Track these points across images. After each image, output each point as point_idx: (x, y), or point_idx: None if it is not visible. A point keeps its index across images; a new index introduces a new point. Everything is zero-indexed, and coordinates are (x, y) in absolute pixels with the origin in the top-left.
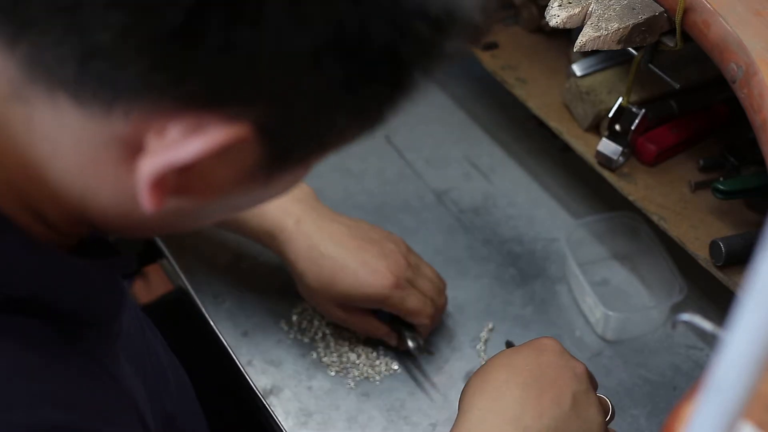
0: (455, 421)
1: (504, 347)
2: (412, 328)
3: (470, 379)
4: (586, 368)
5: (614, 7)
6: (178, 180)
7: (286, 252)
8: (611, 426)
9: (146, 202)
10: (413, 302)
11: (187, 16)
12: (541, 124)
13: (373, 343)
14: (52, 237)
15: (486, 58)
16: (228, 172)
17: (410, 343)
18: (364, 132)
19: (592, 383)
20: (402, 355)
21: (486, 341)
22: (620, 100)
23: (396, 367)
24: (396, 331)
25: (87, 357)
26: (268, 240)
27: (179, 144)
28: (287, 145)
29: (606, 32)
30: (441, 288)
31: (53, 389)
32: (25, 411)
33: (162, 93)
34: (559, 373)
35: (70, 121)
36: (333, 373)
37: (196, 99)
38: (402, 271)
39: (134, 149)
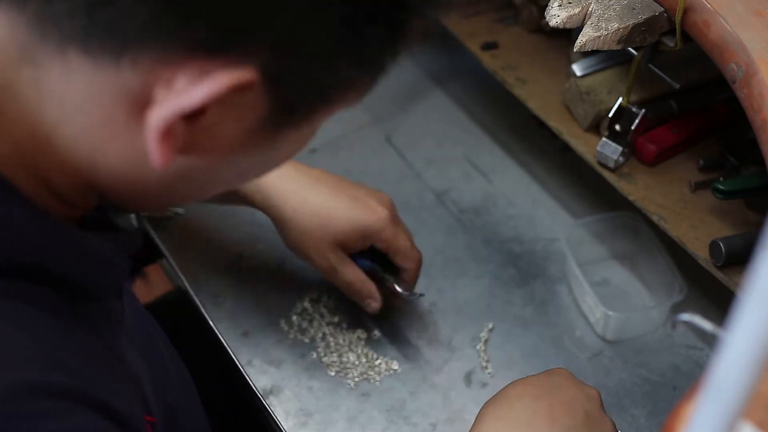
0: None
1: (505, 351)
2: (395, 275)
3: (485, 404)
4: (599, 395)
5: (614, 7)
6: (187, 134)
7: (273, 197)
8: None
9: (155, 155)
10: (404, 240)
11: None
12: (541, 124)
13: (373, 343)
14: (59, 207)
15: (486, 58)
16: (235, 125)
17: (398, 288)
18: (366, 85)
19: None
20: (402, 354)
21: (486, 341)
22: (620, 100)
23: (396, 367)
24: (380, 280)
25: (91, 331)
26: (252, 189)
27: (186, 91)
28: (292, 95)
29: (606, 32)
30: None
31: (59, 353)
32: (31, 371)
33: (168, 39)
34: (572, 394)
35: (79, 78)
36: (333, 373)
37: (201, 45)
38: (391, 207)
39: (143, 104)
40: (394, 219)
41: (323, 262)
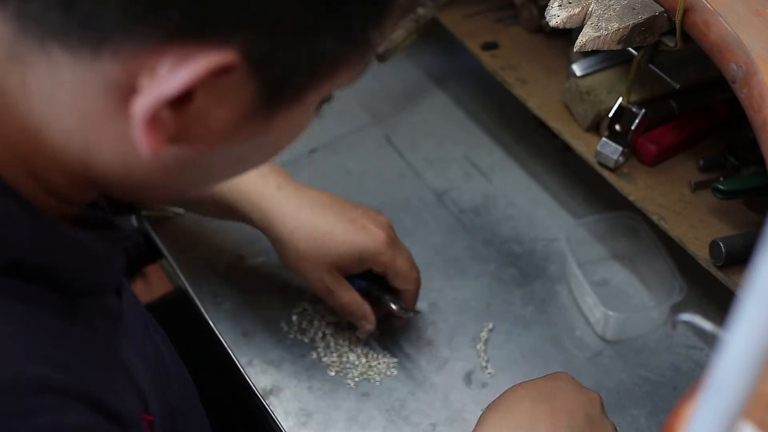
0: None
1: (505, 351)
2: (394, 296)
3: (487, 406)
4: (601, 398)
5: (614, 7)
6: (176, 122)
7: (270, 217)
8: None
9: (142, 144)
10: (402, 262)
11: None
12: (541, 124)
13: (373, 343)
14: (55, 204)
15: (486, 58)
16: (225, 111)
17: (394, 306)
18: (355, 60)
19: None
20: (401, 354)
21: (486, 341)
22: (620, 100)
23: (396, 366)
24: (376, 299)
25: (86, 327)
26: (249, 208)
27: (168, 77)
28: (278, 75)
29: (606, 32)
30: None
31: (51, 349)
32: (23, 367)
33: (145, 26)
34: (573, 397)
35: (64, 74)
36: (333, 373)
37: (178, 30)
38: (389, 230)
39: (129, 95)
40: (393, 241)
41: (319, 284)
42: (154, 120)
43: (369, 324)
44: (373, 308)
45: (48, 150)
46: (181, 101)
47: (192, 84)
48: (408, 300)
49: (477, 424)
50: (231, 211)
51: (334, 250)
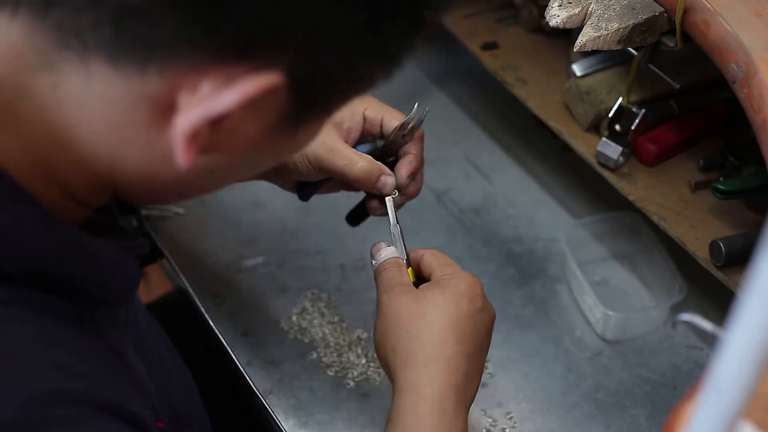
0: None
1: (505, 351)
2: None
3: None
4: (480, 282)
5: (614, 7)
6: (210, 136)
7: None
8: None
9: (181, 158)
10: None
11: None
12: (541, 124)
13: (373, 343)
14: (71, 207)
15: (486, 58)
16: (258, 125)
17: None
18: (383, 77)
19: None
20: None
21: None
22: (620, 100)
23: None
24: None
25: (100, 337)
26: None
27: (213, 97)
28: (313, 93)
29: (606, 32)
30: None
31: (75, 360)
32: (49, 379)
33: (195, 47)
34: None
35: (101, 85)
36: (333, 373)
37: (228, 50)
38: None
39: (166, 109)
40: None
41: (323, 147)
42: (194, 136)
43: (388, 176)
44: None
45: (73, 153)
46: (220, 118)
47: (238, 105)
48: (415, 162)
49: (394, 369)
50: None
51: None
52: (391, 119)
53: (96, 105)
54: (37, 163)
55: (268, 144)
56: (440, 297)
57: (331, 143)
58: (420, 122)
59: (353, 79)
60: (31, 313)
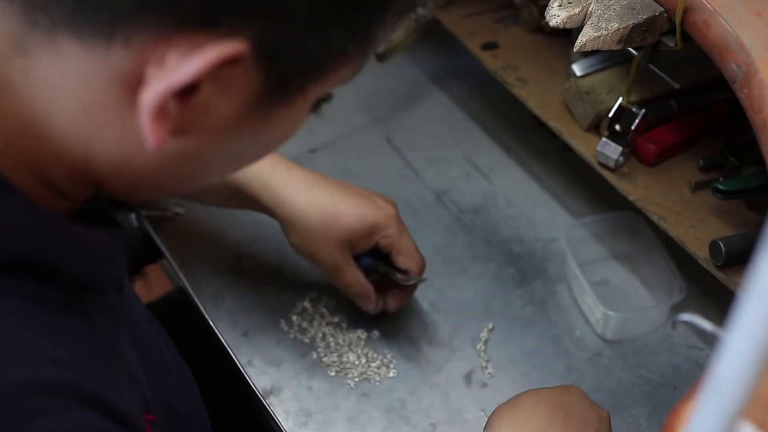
0: None
1: (505, 351)
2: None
3: (497, 409)
4: (609, 416)
5: (614, 7)
6: (181, 114)
7: (282, 195)
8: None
9: (149, 135)
10: (408, 240)
11: None
12: (541, 124)
13: (373, 343)
14: (54, 200)
15: (486, 58)
16: (229, 103)
17: (399, 275)
18: (357, 56)
19: None
20: (402, 354)
21: (486, 341)
22: (620, 100)
23: (396, 367)
24: (382, 274)
25: (89, 326)
26: (259, 188)
27: (177, 67)
28: (284, 68)
29: (606, 32)
30: None
31: (58, 350)
32: (30, 369)
33: (157, 15)
34: (585, 411)
35: (70, 63)
36: (333, 373)
37: (191, 19)
38: (396, 208)
39: (136, 85)
40: (400, 219)
41: (329, 261)
42: (161, 110)
43: (372, 303)
44: (378, 285)
45: (49, 143)
46: (187, 92)
47: (202, 73)
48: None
49: (489, 424)
50: (239, 194)
51: (345, 224)
52: (399, 255)
53: (67, 87)
54: (19, 155)
55: (245, 127)
56: None
57: (341, 263)
58: (419, 282)
59: (327, 56)
60: (14, 301)
